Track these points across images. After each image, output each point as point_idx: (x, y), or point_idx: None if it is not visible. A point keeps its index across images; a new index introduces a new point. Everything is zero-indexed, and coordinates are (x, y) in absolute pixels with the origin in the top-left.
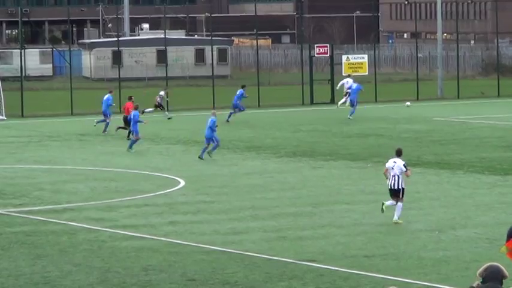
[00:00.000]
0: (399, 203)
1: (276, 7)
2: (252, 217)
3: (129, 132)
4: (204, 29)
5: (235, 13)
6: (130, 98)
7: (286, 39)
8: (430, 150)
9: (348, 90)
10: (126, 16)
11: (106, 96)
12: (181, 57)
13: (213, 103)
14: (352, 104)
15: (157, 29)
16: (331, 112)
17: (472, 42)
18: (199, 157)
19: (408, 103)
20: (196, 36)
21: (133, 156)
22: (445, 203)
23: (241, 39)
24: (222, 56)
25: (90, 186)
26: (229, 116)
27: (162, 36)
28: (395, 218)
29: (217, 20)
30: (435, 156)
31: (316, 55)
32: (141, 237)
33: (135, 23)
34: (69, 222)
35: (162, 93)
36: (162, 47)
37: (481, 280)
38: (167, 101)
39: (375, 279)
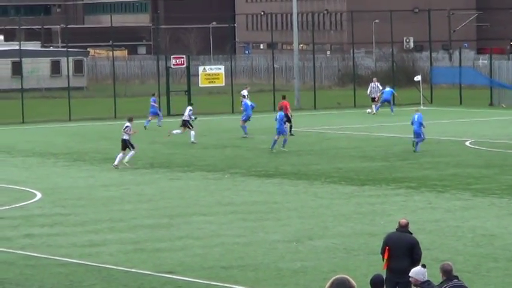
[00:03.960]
0: None
1: (132, 18)
2: (109, 229)
3: (290, 128)
4: (60, 41)
5: (91, 24)
6: (284, 97)
7: (142, 50)
8: (287, 161)
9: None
10: None
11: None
12: (37, 69)
13: (69, 115)
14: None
15: (12, 41)
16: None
17: (328, 52)
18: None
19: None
20: (51, 47)
21: None
22: (302, 214)
23: (97, 51)
24: (78, 68)
25: None
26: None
27: (17, 47)
28: None
29: (73, 31)
30: (292, 166)
31: (172, 66)
32: None
33: None
34: None
35: (245, 92)
36: (17, 59)
37: None
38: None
39: None
